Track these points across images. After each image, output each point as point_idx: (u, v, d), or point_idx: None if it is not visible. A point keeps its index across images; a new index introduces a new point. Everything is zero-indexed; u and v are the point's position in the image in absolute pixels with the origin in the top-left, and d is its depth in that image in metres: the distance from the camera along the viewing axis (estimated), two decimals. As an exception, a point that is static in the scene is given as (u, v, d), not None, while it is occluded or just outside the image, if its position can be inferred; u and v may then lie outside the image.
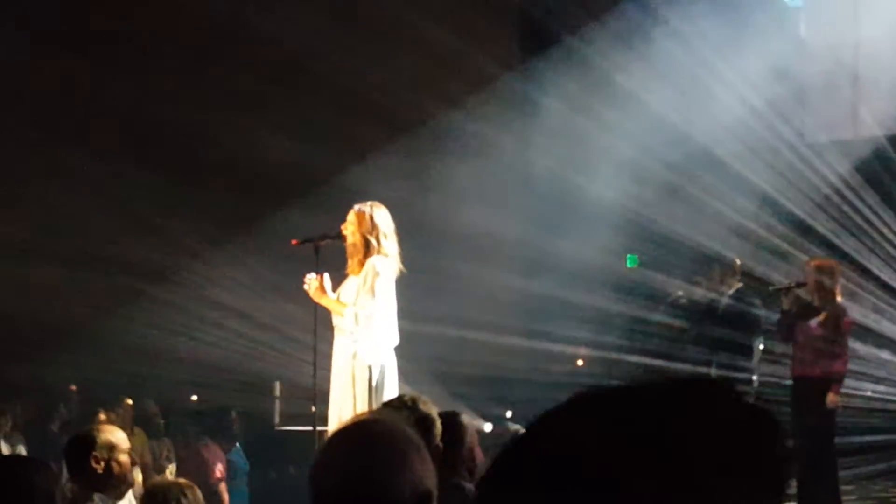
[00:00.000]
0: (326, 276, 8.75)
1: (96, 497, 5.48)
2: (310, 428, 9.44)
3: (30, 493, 4.34)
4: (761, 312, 12.37)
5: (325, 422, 8.54)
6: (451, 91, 14.91)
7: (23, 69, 14.68)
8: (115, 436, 5.66)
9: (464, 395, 13.11)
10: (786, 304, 11.26)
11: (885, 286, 13.76)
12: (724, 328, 12.36)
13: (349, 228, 8.71)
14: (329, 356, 8.80)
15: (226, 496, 12.35)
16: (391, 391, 8.27)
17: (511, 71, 15.64)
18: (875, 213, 14.15)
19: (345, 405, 8.35)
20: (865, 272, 13.62)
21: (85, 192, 14.37)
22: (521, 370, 14.74)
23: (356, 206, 8.78)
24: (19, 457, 10.14)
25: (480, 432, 13.76)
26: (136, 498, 7.38)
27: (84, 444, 5.57)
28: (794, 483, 12.20)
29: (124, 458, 5.59)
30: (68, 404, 14.07)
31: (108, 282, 14.70)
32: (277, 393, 15.04)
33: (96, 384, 13.99)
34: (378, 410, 6.05)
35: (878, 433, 12.81)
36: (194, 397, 15.04)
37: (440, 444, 4.55)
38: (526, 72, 15.84)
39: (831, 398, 10.64)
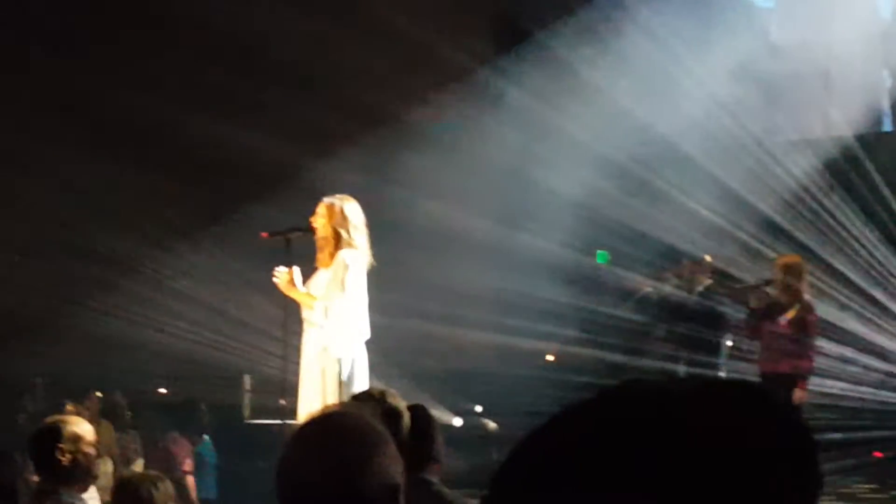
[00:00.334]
0: (296, 269, 8.74)
1: (61, 490, 5.46)
2: (279, 421, 9.45)
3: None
4: (730, 309, 12.44)
5: (294, 415, 8.53)
6: (423, 86, 14.91)
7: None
8: (81, 428, 5.63)
9: (433, 390, 13.12)
10: (753, 301, 11.33)
11: (851, 284, 13.84)
12: (692, 325, 12.42)
13: (319, 221, 8.70)
14: (299, 350, 8.80)
15: (194, 489, 12.34)
16: (361, 385, 8.26)
17: (484, 66, 15.63)
18: (842, 211, 14.22)
19: (314, 399, 8.34)
20: (832, 270, 13.69)
21: (53, 182, 14.30)
22: (491, 365, 14.77)
23: (326, 199, 8.77)
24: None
25: (451, 427, 13.77)
26: (104, 490, 7.36)
27: (50, 436, 5.55)
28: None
29: (90, 450, 5.57)
30: (34, 396, 14.01)
31: (77, 273, 14.64)
32: (247, 386, 15.01)
33: (64, 376, 13.93)
34: (346, 403, 6.05)
35: (843, 430, 12.88)
36: (163, 390, 14.99)
37: (407, 438, 4.56)
38: (498, 67, 15.84)
39: (798, 394, 10.73)
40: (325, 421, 2.77)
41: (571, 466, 1.18)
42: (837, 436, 12.79)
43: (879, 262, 13.97)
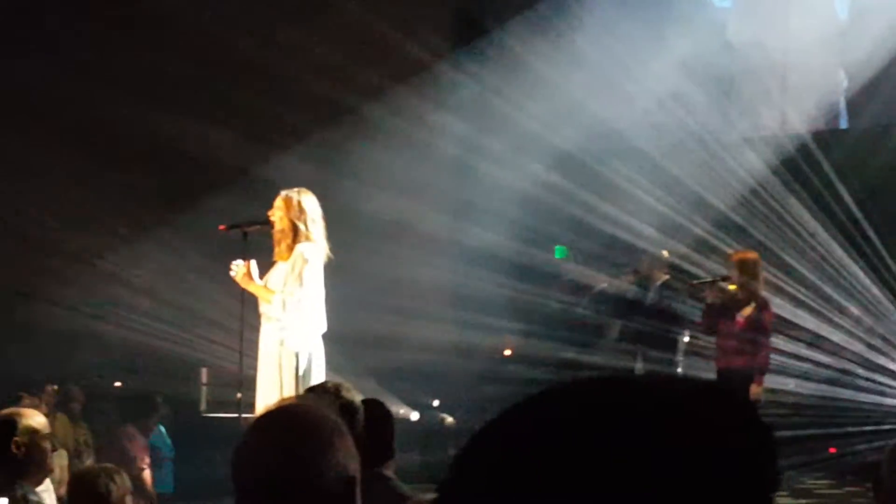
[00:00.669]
0: (253, 262, 8.73)
1: (16, 483, 5.43)
2: (236, 415, 9.43)
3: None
4: (686, 305, 12.49)
5: (251, 408, 8.53)
6: (378, 79, 14.88)
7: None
8: (36, 420, 5.60)
9: (391, 384, 13.12)
10: (710, 296, 11.37)
11: (806, 281, 13.92)
12: (649, 320, 12.47)
13: (277, 214, 8.70)
14: (256, 343, 8.79)
15: (149, 482, 12.28)
16: (318, 378, 8.25)
17: (439, 60, 15.63)
18: (798, 208, 14.30)
19: (271, 392, 8.34)
20: (788, 267, 13.77)
21: (10, 174, 14.20)
22: (448, 359, 14.78)
23: (283, 192, 8.77)
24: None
25: (408, 420, 13.79)
26: (59, 483, 7.32)
27: (4, 429, 5.51)
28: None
29: (45, 443, 5.54)
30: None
31: (33, 265, 14.55)
32: (204, 379, 14.96)
33: (18, 368, 13.83)
34: (301, 396, 6.04)
35: (798, 427, 12.97)
36: (118, 383, 14.92)
37: (363, 432, 4.56)
38: (453, 61, 15.85)
39: (754, 390, 10.80)
40: (282, 413, 2.77)
41: (522, 466, 1.16)
42: (793, 432, 12.88)
43: (835, 260, 14.06)
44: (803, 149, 14.52)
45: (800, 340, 13.57)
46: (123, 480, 5.31)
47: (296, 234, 8.63)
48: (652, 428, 1.15)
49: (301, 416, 2.68)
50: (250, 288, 8.72)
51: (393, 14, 14.47)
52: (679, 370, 12.59)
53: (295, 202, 8.67)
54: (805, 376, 13.54)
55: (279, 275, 8.67)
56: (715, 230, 14.29)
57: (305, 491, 2.56)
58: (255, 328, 8.80)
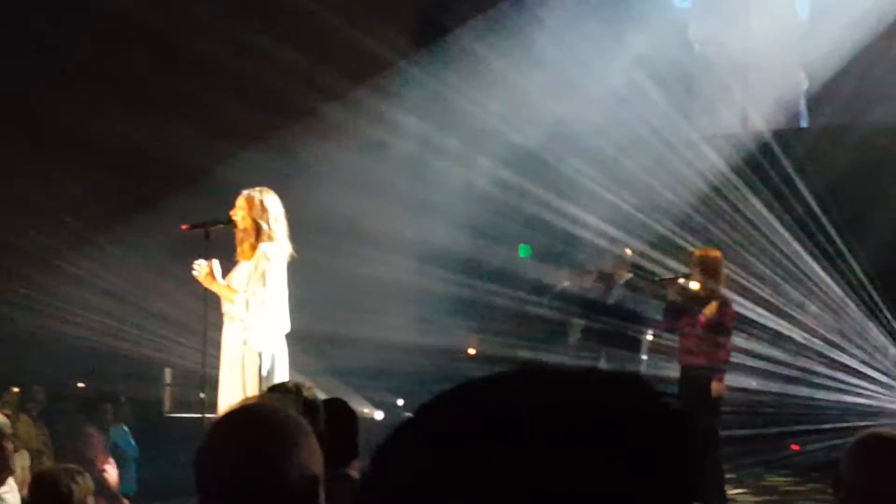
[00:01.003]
0: (216, 261, 8.71)
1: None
2: (199, 415, 9.41)
3: None
4: (649, 303, 12.54)
5: (214, 409, 8.51)
6: (339, 78, 14.86)
7: None
8: (-1, 421, 5.58)
9: (355, 383, 13.12)
10: (672, 294, 11.43)
11: (767, 280, 13.99)
12: (613, 318, 12.51)
13: (239, 213, 8.69)
14: (219, 343, 8.77)
15: (111, 482, 12.25)
16: (281, 378, 8.24)
17: (400, 59, 15.63)
18: (759, 206, 14.38)
19: (234, 392, 8.33)
20: (749, 265, 13.83)
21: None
22: (413, 359, 14.77)
23: (245, 192, 8.76)
24: None
25: (372, 420, 13.78)
26: (21, 484, 7.29)
27: (-32, 430, 5.49)
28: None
29: (7, 444, 5.53)
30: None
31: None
32: (168, 380, 14.93)
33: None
34: (263, 395, 6.04)
35: (761, 425, 13.05)
36: (82, 384, 14.85)
37: (326, 430, 4.56)
38: (414, 61, 15.84)
39: (715, 386, 10.86)
40: (244, 413, 2.77)
41: (437, 462, 1.16)
42: (755, 430, 12.96)
43: (795, 258, 14.14)
44: (764, 147, 14.60)
45: (761, 338, 13.64)
46: (85, 480, 5.30)
47: (258, 234, 8.62)
48: (567, 421, 1.15)
49: (264, 416, 2.68)
50: (213, 288, 8.70)
51: (352, 14, 14.45)
52: (642, 368, 12.64)
53: (257, 201, 8.66)
54: (767, 374, 13.61)
55: (242, 274, 8.66)
56: (676, 228, 14.34)
57: (268, 490, 2.56)
58: (219, 328, 8.79)
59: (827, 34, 14.39)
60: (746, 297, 13.13)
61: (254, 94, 14.12)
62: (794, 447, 13.53)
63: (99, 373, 14.12)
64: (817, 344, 13.80)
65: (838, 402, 13.26)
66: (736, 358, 11.99)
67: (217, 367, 8.73)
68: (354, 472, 5.10)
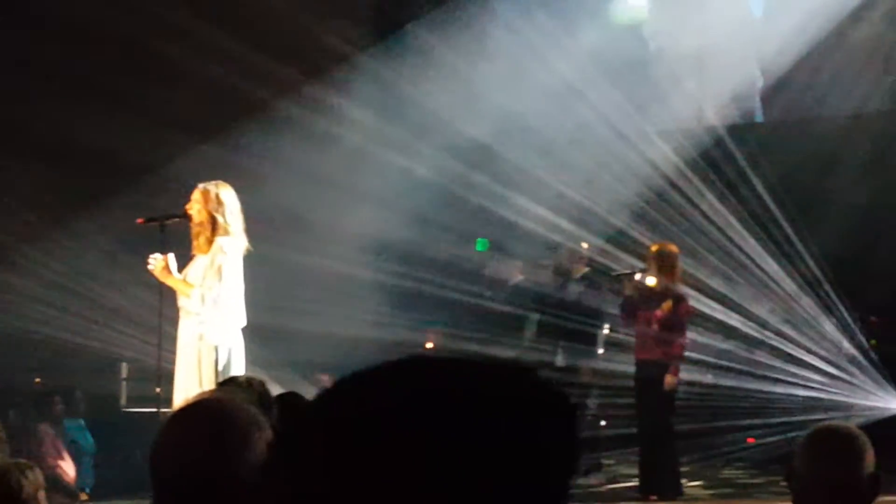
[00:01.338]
0: (171, 255, 8.69)
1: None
2: (155, 409, 9.38)
3: None
4: (606, 297, 12.57)
5: (171, 404, 8.48)
6: (290, 72, 14.81)
7: None
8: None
9: (312, 378, 13.09)
10: (628, 288, 11.48)
11: (722, 274, 14.05)
12: (569, 313, 12.53)
13: (195, 207, 8.66)
14: (175, 338, 8.74)
15: (70, 477, 12.19)
16: (238, 372, 8.22)
17: (353, 53, 15.59)
18: (713, 200, 14.44)
19: (190, 387, 8.31)
20: (704, 259, 13.89)
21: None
22: (370, 352, 14.74)
23: (201, 185, 8.74)
24: None
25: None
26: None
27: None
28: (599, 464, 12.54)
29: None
30: None
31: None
32: (124, 374, 14.85)
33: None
34: (217, 390, 6.02)
35: (717, 419, 13.13)
36: (38, 379, 14.76)
37: (279, 425, 4.54)
38: (368, 55, 15.81)
39: (668, 380, 10.94)
40: (199, 407, 2.76)
41: (325, 453, 1.19)
42: (712, 424, 13.04)
43: (750, 252, 14.21)
44: (719, 141, 14.69)
45: (717, 332, 13.71)
46: (36, 476, 5.25)
47: (214, 227, 8.60)
48: (446, 409, 1.17)
49: (218, 410, 2.68)
50: (169, 282, 8.68)
51: (303, 7, 14.42)
52: (599, 363, 12.69)
53: (213, 195, 8.64)
54: (722, 368, 13.68)
55: (198, 269, 8.63)
56: (632, 222, 14.38)
57: (223, 485, 2.55)
58: (175, 322, 8.76)
59: (781, 30, 14.50)
60: (701, 292, 13.19)
61: (204, 88, 14.05)
62: (750, 440, 13.61)
63: (55, 367, 14.04)
64: (771, 338, 13.87)
65: (792, 395, 13.35)
66: (692, 352, 12.06)
67: (173, 362, 8.71)
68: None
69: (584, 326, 12.52)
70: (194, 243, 8.71)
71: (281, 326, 12.47)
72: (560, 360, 12.61)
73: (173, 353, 8.74)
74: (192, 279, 8.60)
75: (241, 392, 4.26)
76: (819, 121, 14.85)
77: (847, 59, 14.61)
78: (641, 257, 12.03)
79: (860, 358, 13.61)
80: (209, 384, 8.27)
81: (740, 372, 13.66)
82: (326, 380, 13.69)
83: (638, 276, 11.43)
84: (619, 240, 14.06)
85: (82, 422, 13.20)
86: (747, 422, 13.29)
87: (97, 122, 13.74)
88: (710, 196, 14.40)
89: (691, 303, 11.68)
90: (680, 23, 15.36)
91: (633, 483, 11.68)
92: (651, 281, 11.24)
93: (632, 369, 11.44)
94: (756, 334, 13.89)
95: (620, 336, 12.36)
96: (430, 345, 15.50)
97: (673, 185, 14.58)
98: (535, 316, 13.15)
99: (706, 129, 15.00)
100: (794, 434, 10.85)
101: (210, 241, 8.60)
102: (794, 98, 14.95)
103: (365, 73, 15.51)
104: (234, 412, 2.64)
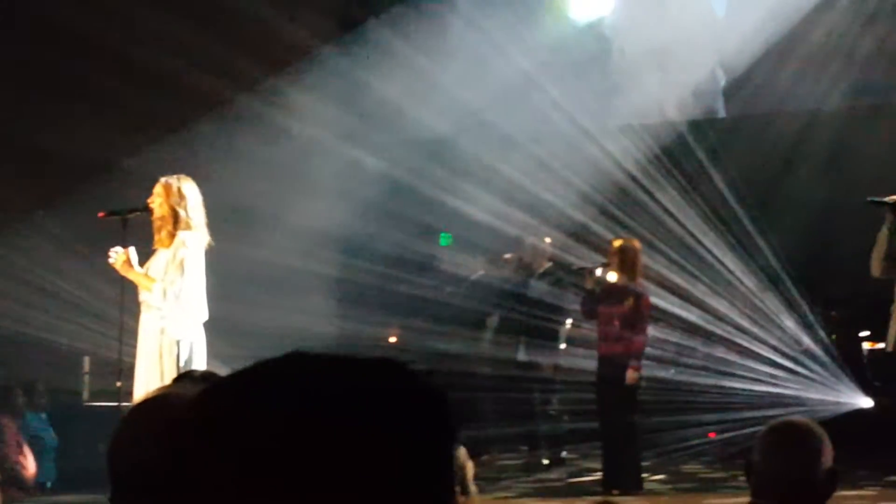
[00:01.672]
0: (132, 249, 8.65)
1: None
2: (117, 404, 9.35)
3: None
4: (568, 293, 12.60)
5: (131, 398, 8.45)
6: (253, 67, 14.76)
7: None
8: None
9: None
10: (590, 283, 11.51)
11: (683, 270, 14.10)
12: (531, 308, 12.55)
13: (156, 201, 8.64)
14: (136, 331, 8.71)
15: (28, 472, 12.14)
16: (199, 367, 8.20)
17: (316, 48, 15.56)
18: (674, 195, 14.49)
19: (152, 381, 8.28)
20: (665, 255, 13.94)
21: None
22: (333, 346, 14.72)
23: (163, 179, 8.71)
24: None
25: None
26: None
27: None
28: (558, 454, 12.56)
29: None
30: None
31: None
32: (86, 368, 14.79)
33: None
34: (179, 384, 6.00)
35: (679, 413, 13.18)
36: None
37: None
38: (331, 49, 15.78)
39: (630, 375, 10.99)
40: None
41: (209, 449, 1.21)
42: (674, 418, 13.08)
43: (711, 247, 14.26)
44: (679, 137, 14.75)
45: (678, 328, 13.76)
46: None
47: (176, 221, 8.57)
48: (320, 405, 1.19)
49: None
50: (130, 276, 8.65)
51: (263, 2, 14.38)
52: (561, 359, 12.72)
53: (175, 189, 8.61)
54: (682, 364, 13.74)
55: (160, 263, 8.60)
56: (593, 218, 14.40)
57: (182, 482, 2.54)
58: (136, 316, 8.73)
59: (742, 27, 14.58)
60: (662, 287, 13.24)
61: (165, 84, 13.99)
62: (711, 435, 13.67)
63: (17, 361, 13.97)
64: (732, 333, 13.94)
65: (752, 391, 13.42)
66: (653, 347, 12.11)
67: (134, 356, 8.67)
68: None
69: (546, 322, 12.55)
70: (156, 237, 8.68)
71: (244, 320, 12.44)
72: (522, 356, 12.63)
73: (135, 347, 8.71)
74: (153, 273, 8.57)
75: (196, 387, 4.25)
76: (780, 117, 14.92)
77: (808, 57, 14.70)
78: (604, 252, 12.06)
79: (820, 353, 13.69)
80: (171, 378, 8.24)
81: (701, 367, 13.72)
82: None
83: (599, 272, 11.45)
84: (582, 234, 14.08)
85: (45, 416, 13.14)
86: (708, 417, 13.34)
87: (55, 118, 13.69)
88: (670, 191, 14.45)
89: (652, 299, 11.73)
90: (642, 19, 15.41)
91: (596, 477, 11.73)
92: (612, 277, 11.28)
93: (594, 365, 11.48)
94: (717, 329, 13.95)
95: (583, 331, 12.39)
96: (392, 339, 15.50)
97: (634, 180, 14.62)
98: (498, 310, 13.16)
99: (667, 125, 15.06)
100: (754, 429, 10.91)
101: (172, 236, 8.57)
102: (756, 94, 15.04)
103: (325, 68, 15.46)
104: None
